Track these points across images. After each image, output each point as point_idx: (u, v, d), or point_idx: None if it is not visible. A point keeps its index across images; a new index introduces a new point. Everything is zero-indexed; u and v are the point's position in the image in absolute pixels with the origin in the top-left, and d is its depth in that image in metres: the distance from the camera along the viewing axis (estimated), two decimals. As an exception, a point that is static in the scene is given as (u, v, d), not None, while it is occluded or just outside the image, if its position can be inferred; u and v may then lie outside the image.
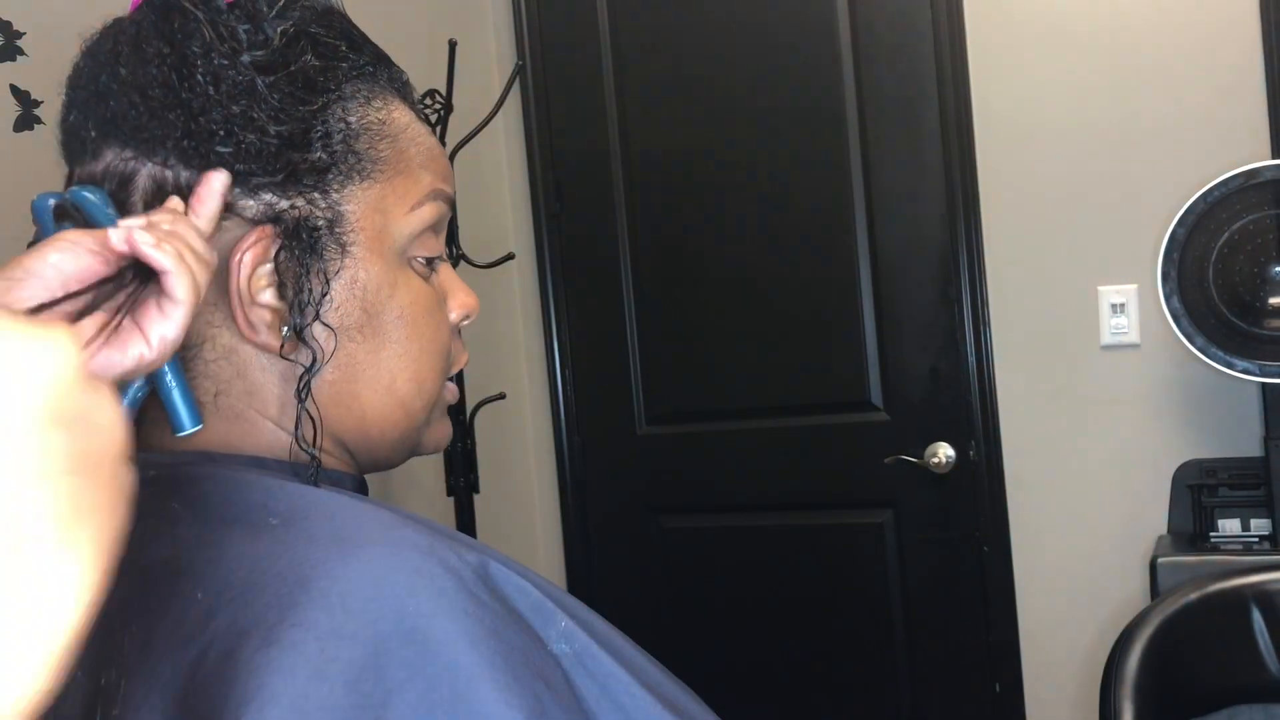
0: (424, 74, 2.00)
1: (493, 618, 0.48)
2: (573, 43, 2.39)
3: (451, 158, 1.97)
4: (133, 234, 0.48)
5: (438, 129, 1.95)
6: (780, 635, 2.25)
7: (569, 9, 2.39)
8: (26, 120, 1.47)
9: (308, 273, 0.55)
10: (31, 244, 0.54)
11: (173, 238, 0.49)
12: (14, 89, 1.47)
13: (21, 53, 1.48)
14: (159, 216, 0.50)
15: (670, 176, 2.31)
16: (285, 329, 0.55)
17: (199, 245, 0.50)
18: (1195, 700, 1.37)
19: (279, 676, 0.44)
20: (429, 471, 2.11)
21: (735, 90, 2.23)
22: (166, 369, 0.53)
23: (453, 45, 1.88)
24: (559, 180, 2.42)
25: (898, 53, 2.10)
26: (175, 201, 0.53)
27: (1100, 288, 2.00)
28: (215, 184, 0.53)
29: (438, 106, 1.95)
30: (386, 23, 2.13)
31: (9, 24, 1.47)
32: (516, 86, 2.41)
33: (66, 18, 1.46)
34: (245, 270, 0.55)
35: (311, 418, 0.57)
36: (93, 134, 0.56)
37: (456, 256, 1.98)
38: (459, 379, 2.04)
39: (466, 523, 1.95)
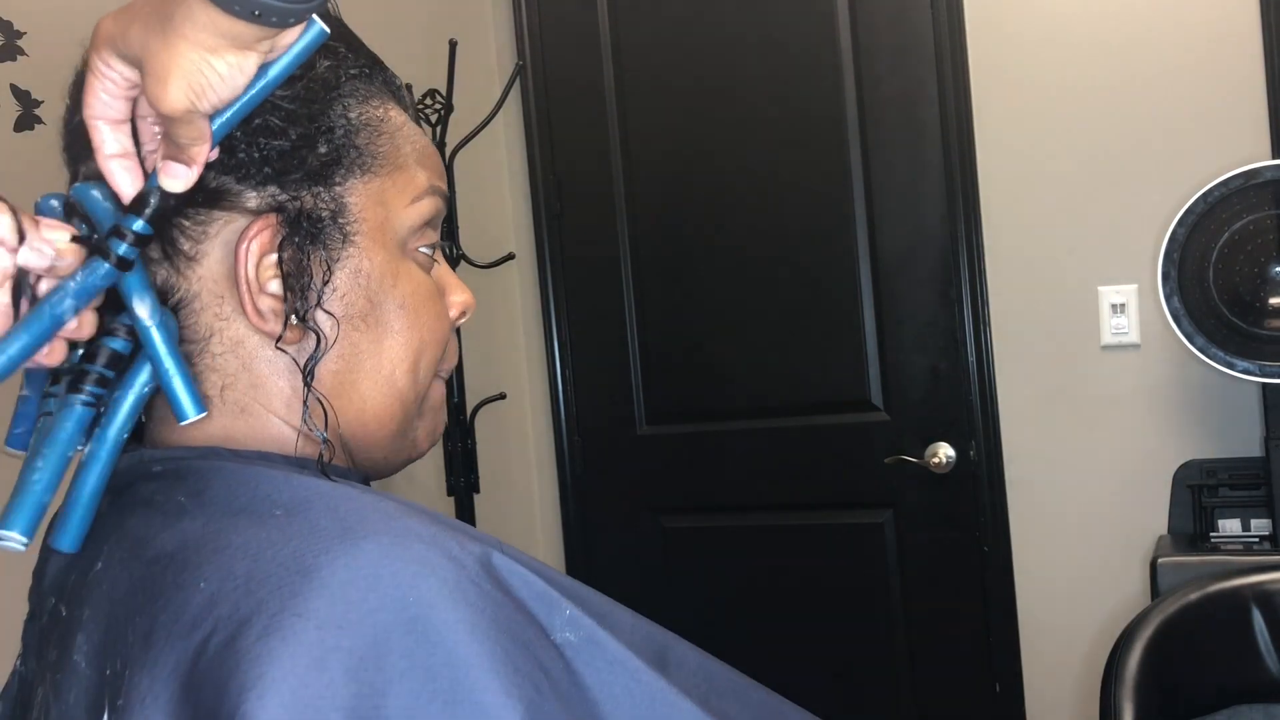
0: (424, 74, 2.00)
1: (494, 607, 0.48)
2: (573, 43, 2.39)
3: (451, 158, 1.98)
4: None
5: (438, 129, 1.95)
6: (780, 635, 2.25)
7: (569, 9, 2.39)
8: (27, 120, 1.47)
9: (310, 260, 0.56)
10: None
11: None
12: (14, 89, 1.47)
13: (22, 52, 1.48)
14: None
15: (670, 176, 2.31)
16: (288, 314, 0.56)
17: None
18: (1195, 700, 1.37)
19: (279, 665, 0.44)
20: (430, 471, 2.12)
21: (735, 90, 2.23)
22: (166, 358, 0.54)
23: (453, 45, 1.88)
24: (559, 180, 2.42)
25: (898, 53, 2.10)
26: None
27: (1100, 288, 2.00)
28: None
29: (438, 106, 1.95)
30: (386, 23, 2.13)
31: (9, 24, 1.47)
32: (516, 86, 2.41)
33: (66, 18, 1.46)
34: (252, 259, 0.55)
35: (320, 402, 0.58)
36: None
37: (456, 256, 1.98)
38: (458, 378, 2.04)
39: (467, 522, 1.95)
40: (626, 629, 0.57)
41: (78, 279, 0.51)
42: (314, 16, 0.52)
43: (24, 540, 0.51)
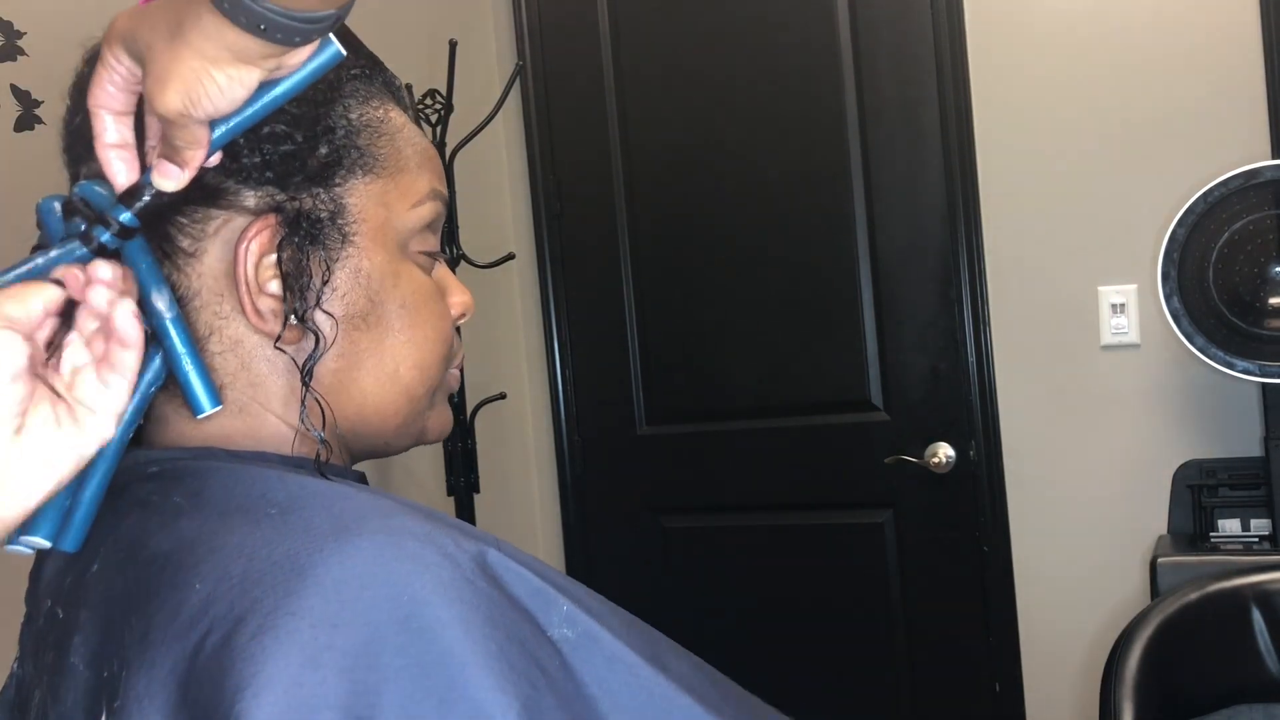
0: (424, 74, 2.00)
1: (489, 605, 0.48)
2: (573, 43, 2.39)
3: (451, 158, 1.98)
4: (98, 291, 0.51)
5: (438, 129, 1.95)
6: (780, 635, 2.25)
7: (569, 9, 2.39)
8: (27, 120, 1.47)
9: (309, 260, 0.56)
10: (35, 248, 0.54)
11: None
12: (14, 89, 1.47)
13: (22, 52, 1.48)
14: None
15: (670, 176, 2.31)
16: (287, 315, 0.56)
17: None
18: (1195, 700, 1.37)
19: (273, 664, 0.44)
20: (429, 471, 2.12)
21: (735, 90, 2.23)
22: (183, 351, 0.54)
23: (453, 45, 1.88)
24: (559, 180, 2.42)
25: (898, 53, 2.10)
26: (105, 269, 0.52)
27: (1100, 288, 2.00)
28: (101, 275, 0.52)
29: (438, 106, 1.95)
30: (387, 23, 2.13)
31: (9, 24, 1.47)
32: (516, 86, 2.41)
33: (67, 18, 1.46)
34: (252, 259, 0.55)
35: (318, 403, 0.58)
36: None
37: (456, 256, 1.98)
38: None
39: (466, 522, 1.95)
40: (621, 630, 0.57)
41: (51, 255, 0.52)
42: (331, 37, 0.52)
43: (48, 545, 0.52)
